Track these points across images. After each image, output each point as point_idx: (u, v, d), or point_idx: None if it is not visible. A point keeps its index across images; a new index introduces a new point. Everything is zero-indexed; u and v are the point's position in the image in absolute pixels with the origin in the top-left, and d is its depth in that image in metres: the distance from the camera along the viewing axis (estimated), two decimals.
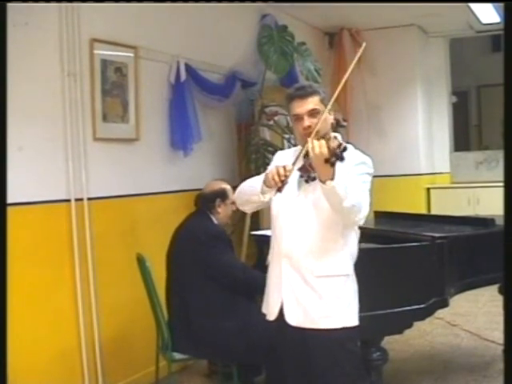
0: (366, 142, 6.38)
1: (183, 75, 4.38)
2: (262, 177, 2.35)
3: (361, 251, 2.48)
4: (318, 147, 2.08)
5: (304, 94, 2.35)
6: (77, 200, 3.60)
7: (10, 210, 2.51)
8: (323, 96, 2.37)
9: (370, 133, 6.86)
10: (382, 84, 7.00)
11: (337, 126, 2.36)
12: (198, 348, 3.32)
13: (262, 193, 2.32)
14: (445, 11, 6.28)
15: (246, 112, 5.30)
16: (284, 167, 2.18)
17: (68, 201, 3.57)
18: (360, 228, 2.47)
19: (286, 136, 5.02)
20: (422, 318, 3.16)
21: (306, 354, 2.38)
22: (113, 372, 3.80)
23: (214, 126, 4.92)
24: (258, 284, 2.77)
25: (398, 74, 7.00)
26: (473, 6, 6.11)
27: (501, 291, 3.66)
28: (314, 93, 2.35)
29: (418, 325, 3.32)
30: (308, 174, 2.33)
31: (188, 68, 4.43)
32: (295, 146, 2.60)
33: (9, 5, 2.46)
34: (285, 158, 2.48)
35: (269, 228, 2.61)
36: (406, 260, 3.09)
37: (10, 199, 2.69)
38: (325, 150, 2.07)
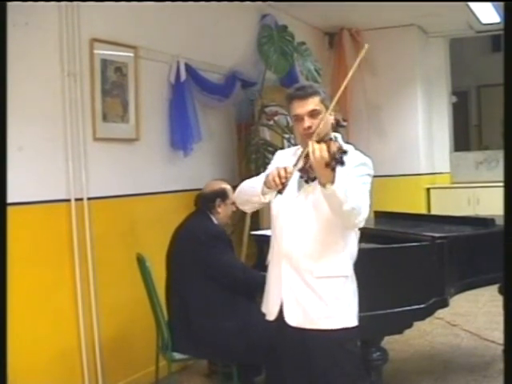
0: (366, 141, 6.39)
1: (183, 75, 4.38)
2: (262, 177, 2.35)
3: (361, 251, 2.48)
4: (318, 151, 2.07)
5: (304, 94, 2.34)
6: (77, 200, 3.60)
7: (10, 210, 2.51)
8: (323, 96, 2.36)
9: (370, 133, 6.87)
10: (382, 84, 7.00)
11: (337, 126, 2.35)
12: (198, 348, 3.33)
13: (263, 194, 2.32)
14: (445, 11, 6.28)
15: (246, 112, 5.31)
16: (285, 169, 2.17)
17: (68, 201, 3.57)
18: (360, 228, 2.46)
19: (286, 136, 5.02)
20: (422, 318, 3.16)
21: (305, 355, 2.38)
22: (113, 372, 3.80)
23: (214, 126, 4.92)
24: (258, 284, 2.77)
25: (398, 74, 7.00)
26: (473, 5, 6.11)
27: (501, 291, 3.66)
28: (314, 93, 2.34)
29: (417, 325, 3.32)
30: (308, 174, 2.33)
31: (188, 68, 4.43)
32: (295, 145, 2.60)
33: (9, 5, 2.45)
34: (285, 158, 2.48)
35: (269, 228, 2.61)
36: (406, 260, 3.09)
37: (10, 199, 2.68)
38: (325, 154, 2.06)
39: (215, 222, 3.51)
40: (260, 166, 4.64)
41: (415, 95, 7.10)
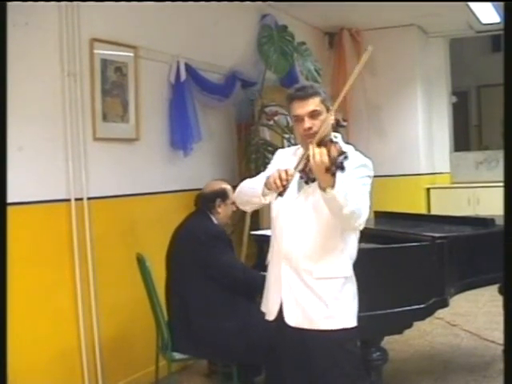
0: (366, 141, 6.40)
1: (183, 75, 4.38)
2: (262, 177, 2.35)
3: (361, 251, 2.48)
4: (318, 155, 2.05)
5: (305, 95, 2.33)
6: (77, 200, 3.60)
7: (9, 210, 2.51)
8: (324, 97, 2.35)
9: (370, 133, 6.87)
10: (382, 84, 7.00)
11: (337, 126, 2.35)
12: (198, 348, 3.32)
13: (263, 195, 2.31)
14: (445, 11, 6.28)
15: (246, 112, 5.31)
16: (286, 171, 2.16)
17: (68, 200, 3.57)
18: None
19: (286, 136, 5.02)
20: (422, 318, 3.16)
21: (305, 355, 2.38)
22: (113, 372, 3.80)
23: (214, 126, 4.92)
24: (258, 284, 2.77)
25: (398, 73, 7.00)
26: (473, 5, 6.11)
27: (501, 291, 3.67)
28: (314, 94, 2.33)
29: (417, 325, 3.32)
30: (308, 175, 2.32)
31: (188, 68, 4.43)
32: (295, 145, 2.60)
33: (9, 5, 2.45)
34: (285, 157, 2.48)
35: (269, 228, 2.61)
36: (406, 260, 3.09)
37: (10, 199, 2.69)
38: (325, 159, 2.04)
39: (215, 222, 3.51)
40: (260, 166, 4.64)
41: (415, 95, 7.10)
